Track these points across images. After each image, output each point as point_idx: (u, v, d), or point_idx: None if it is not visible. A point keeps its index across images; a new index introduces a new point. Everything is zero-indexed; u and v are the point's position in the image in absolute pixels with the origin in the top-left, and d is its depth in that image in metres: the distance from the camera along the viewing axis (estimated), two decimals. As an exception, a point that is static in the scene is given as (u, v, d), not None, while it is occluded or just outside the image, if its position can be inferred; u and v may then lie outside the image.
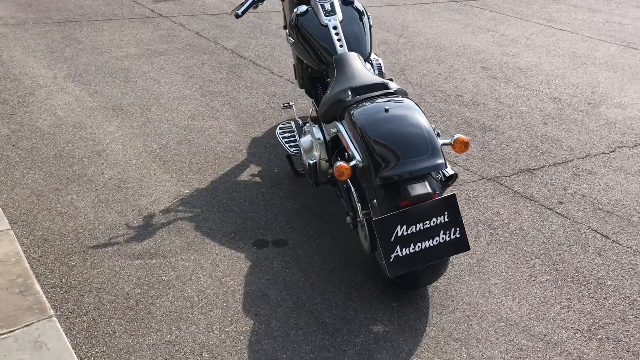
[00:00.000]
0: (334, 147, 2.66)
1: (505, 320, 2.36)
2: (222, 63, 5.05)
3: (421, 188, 2.04)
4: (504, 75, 5.22)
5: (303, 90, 3.95)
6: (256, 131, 3.85)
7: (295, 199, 3.12)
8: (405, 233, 2.05)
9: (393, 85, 2.50)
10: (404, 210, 2.06)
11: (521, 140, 3.96)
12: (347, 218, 2.47)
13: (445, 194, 2.14)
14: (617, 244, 2.89)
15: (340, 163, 2.15)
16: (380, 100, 2.36)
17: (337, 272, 2.58)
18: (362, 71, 2.71)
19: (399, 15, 7.06)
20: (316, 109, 3.87)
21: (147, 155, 3.46)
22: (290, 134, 3.33)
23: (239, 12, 2.93)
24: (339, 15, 2.97)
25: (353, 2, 3.07)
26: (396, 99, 2.34)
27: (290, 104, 3.50)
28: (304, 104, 4.28)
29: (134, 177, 3.22)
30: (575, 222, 3.06)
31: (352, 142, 2.27)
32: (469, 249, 2.14)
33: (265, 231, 2.84)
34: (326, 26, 2.94)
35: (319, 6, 3.00)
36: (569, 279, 2.63)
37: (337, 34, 2.91)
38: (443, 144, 2.20)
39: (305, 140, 2.89)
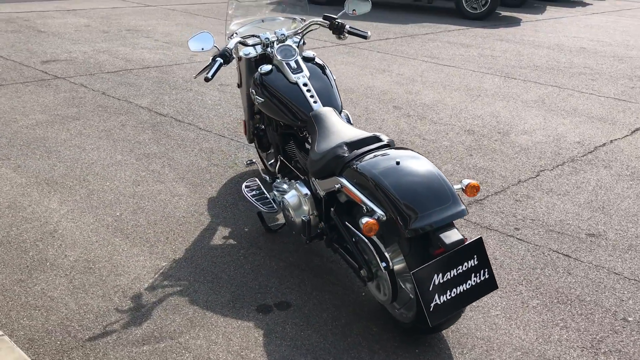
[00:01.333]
0: (330, 202, 2.68)
1: (520, 349, 2.49)
2: (143, 123, 4.86)
3: (454, 235, 2.13)
4: (415, 112, 5.54)
5: (252, 144, 3.94)
6: (209, 191, 3.75)
7: (279, 256, 3.08)
8: (441, 281, 2.12)
9: (384, 137, 2.58)
10: (439, 258, 2.13)
11: (457, 173, 4.22)
12: (362, 272, 2.49)
13: (472, 239, 2.25)
14: (579, 261, 3.17)
15: (367, 219, 2.18)
16: (381, 152, 2.43)
17: (351, 326, 2.58)
18: (344, 125, 2.77)
19: (298, 61, 7.25)
20: (264, 164, 3.87)
21: (105, 230, 3.24)
22: (258, 191, 3.30)
23: (209, 75, 2.88)
24: (306, 71, 3.02)
25: (314, 58, 3.14)
26: (399, 151, 2.43)
27: (253, 160, 3.47)
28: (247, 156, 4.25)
29: (102, 256, 3.00)
30: (537, 245, 3.31)
31: (366, 197, 2.31)
32: (497, 287, 2.26)
33: (263, 295, 2.77)
34: (296, 83, 2.97)
35: (284, 64, 3.03)
36: (555, 300, 2.83)
37: (308, 90, 2.95)
38: (456, 189, 2.31)
39: (291, 196, 2.88)
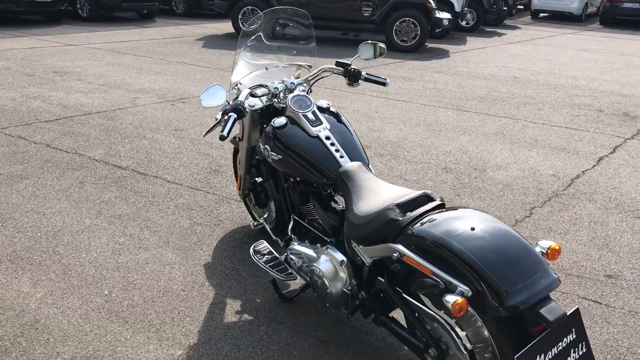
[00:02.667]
0: (377, 271, 2.39)
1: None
2: (103, 178, 4.37)
3: (557, 309, 1.91)
4: (386, 151, 5.37)
5: (242, 200, 3.60)
6: (202, 256, 3.35)
7: (305, 332, 2.75)
8: (543, 361, 1.89)
9: (435, 195, 2.35)
10: (542, 337, 1.90)
11: (454, 217, 4.05)
12: (431, 351, 2.21)
13: (569, 310, 2.04)
14: (611, 307, 3.05)
15: (456, 298, 1.91)
16: (440, 214, 2.19)
17: (415, 411, 2.29)
18: (381, 182, 2.52)
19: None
20: (268, 227, 3.56)
21: (97, 315, 2.77)
22: (270, 256, 2.96)
23: (224, 132, 2.54)
24: (326, 123, 2.75)
25: (329, 108, 2.87)
26: (459, 211, 2.20)
27: (261, 221, 3.13)
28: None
29: (103, 349, 2.54)
30: (564, 292, 3.17)
31: (439, 268, 2.06)
32: (593, 360, 2.06)
33: (304, 381, 2.43)
34: (317, 137, 2.69)
35: (301, 116, 2.74)
36: (609, 356, 2.68)
37: (332, 144, 2.68)
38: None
39: (324, 264, 2.57)
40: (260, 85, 2.91)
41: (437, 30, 12.00)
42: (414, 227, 2.19)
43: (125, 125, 5.73)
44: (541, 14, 22.77)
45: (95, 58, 9.16)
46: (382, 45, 3.03)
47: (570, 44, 14.58)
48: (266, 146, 2.79)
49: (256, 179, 3.33)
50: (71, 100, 6.57)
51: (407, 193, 2.36)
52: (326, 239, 2.74)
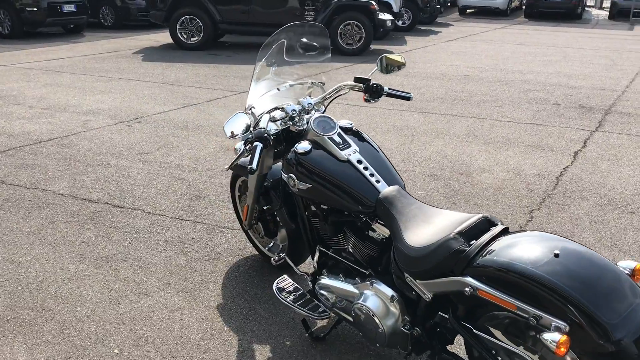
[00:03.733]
0: (436, 305, 2.20)
1: None
2: (75, 215, 3.97)
3: (663, 339, 1.77)
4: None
5: (243, 232, 3.33)
6: (211, 297, 3.06)
7: (349, 373, 2.52)
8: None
9: (494, 218, 2.18)
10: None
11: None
12: None
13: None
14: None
15: (559, 336, 1.74)
16: (514, 240, 2.02)
17: None
18: (428, 208, 2.33)
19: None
20: (260, 251, 3.31)
21: (112, 380, 2.44)
22: (296, 293, 2.72)
23: (254, 165, 2.28)
24: (354, 146, 2.53)
25: (352, 127, 2.65)
26: (539, 235, 2.03)
27: (282, 255, 2.87)
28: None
29: (131, 422, 2.22)
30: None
31: (525, 303, 1.88)
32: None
33: None
34: (348, 161, 2.47)
35: (327, 140, 2.51)
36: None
37: (365, 168, 2.46)
38: (625, 276, 1.97)
39: (372, 301, 2.35)
40: (276, 108, 2.66)
41: (380, 31, 11.98)
42: (484, 257, 2.01)
43: (83, 152, 5.29)
44: (468, 10, 23.34)
45: (29, 79, 8.52)
46: (402, 59, 2.84)
47: (504, 39, 14.94)
48: (291, 175, 2.54)
49: (265, 207, 3.07)
50: (15, 127, 6.03)
51: (464, 218, 2.18)
52: (363, 271, 2.52)
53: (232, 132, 2.47)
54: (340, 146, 2.50)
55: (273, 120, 2.59)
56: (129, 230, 3.78)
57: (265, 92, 2.83)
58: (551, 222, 4.01)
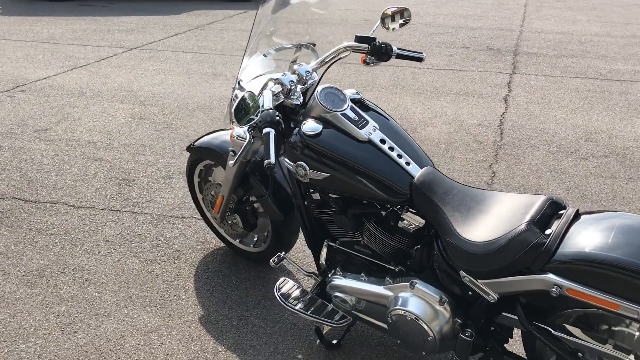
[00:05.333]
0: (500, 305, 1.89)
1: None
2: (-22, 218, 3.21)
3: None
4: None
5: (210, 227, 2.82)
6: (186, 308, 2.56)
7: (382, 384, 2.18)
8: None
9: (558, 199, 1.90)
10: None
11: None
12: None
13: None
14: None
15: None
16: (596, 225, 1.75)
17: None
18: (477, 191, 2.00)
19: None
20: (234, 247, 2.86)
21: None
22: (304, 298, 2.31)
23: (272, 159, 1.80)
24: (372, 122, 2.11)
25: (361, 99, 2.22)
26: (621, 215, 1.77)
27: (281, 255, 2.41)
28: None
29: None
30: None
31: (630, 300, 1.62)
32: None
33: None
34: (369, 142, 2.05)
35: (340, 117, 2.06)
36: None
37: (391, 148, 2.06)
38: None
39: (417, 306, 2.00)
40: (270, 80, 2.15)
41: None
42: (565, 249, 1.72)
43: (-38, 134, 4.36)
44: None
45: None
46: (408, 9, 2.42)
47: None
48: (300, 163, 2.08)
49: (244, 196, 2.59)
50: None
51: (527, 202, 1.87)
52: (391, 267, 2.16)
53: (235, 119, 1.94)
54: (357, 123, 2.08)
55: (275, 96, 2.09)
56: (56, 231, 3.11)
57: (252, 61, 2.31)
58: (515, 177, 3.87)
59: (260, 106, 1.95)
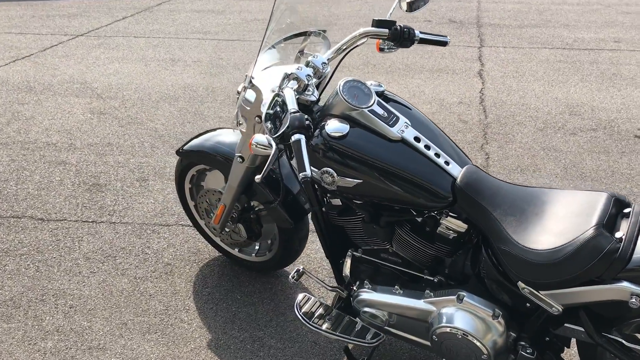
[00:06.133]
0: (563, 317, 1.72)
1: None
2: None
3: None
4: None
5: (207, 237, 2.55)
6: (191, 333, 2.29)
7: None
8: None
9: (620, 195, 1.72)
10: None
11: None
12: None
13: None
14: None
15: None
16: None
17: None
18: (522, 189, 1.81)
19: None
20: (234, 258, 2.60)
21: None
22: (330, 315, 2.09)
23: (308, 172, 1.55)
24: (403, 117, 1.87)
25: (384, 91, 1.98)
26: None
27: (301, 269, 2.16)
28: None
29: None
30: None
31: None
32: None
33: None
34: (402, 140, 1.82)
35: (368, 114, 1.82)
36: None
37: (427, 147, 1.83)
38: None
39: (468, 322, 1.80)
40: (286, 76, 1.88)
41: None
42: (638, 254, 1.56)
43: None
44: None
45: None
46: None
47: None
48: (327, 169, 1.83)
49: (247, 203, 2.33)
50: None
51: (590, 201, 1.69)
52: (429, 278, 1.95)
53: (271, 129, 1.67)
54: (387, 120, 1.84)
55: (298, 94, 1.82)
56: (26, 250, 2.77)
57: (262, 55, 2.02)
58: (509, 158, 3.73)
59: (288, 110, 1.68)
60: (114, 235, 2.89)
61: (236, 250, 2.61)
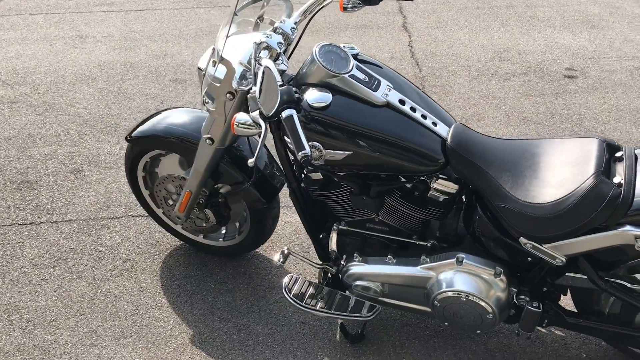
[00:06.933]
0: (560, 269, 1.71)
1: None
2: None
3: None
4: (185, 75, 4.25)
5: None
6: (174, 345, 2.13)
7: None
8: None
9: (610, 140, 1.73)
10: None
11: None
12: None
13: None
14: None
15: None
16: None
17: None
18: (512, 142, 1.79)
19: None
20: (194, 242, 2.45)
21: None
22: (320, 293, 2.00)
23: (307, 149, 1.42)
24: (384, 80, 1.77)
25: (359, 54, 1.85)
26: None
27: (286, 250, 2.04)
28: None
29: None
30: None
31: None
32: None
33: None
34: (387, 105, 1.72)
35: (349, 80, 1.70)
36: None
37: (412, 109, 1.75)
38: None
39: (469, 284, 1.77)
40: (255, 45, 1.71)
41: None
42: (638, 197, 1.57)
43: None
44: None
45: None
46: None
47: None
48: (313, 143, 1.70)
49: (216, 185, 2.17)
50: None
51: (583, 148, 1.68)
52: (422, 243, 1.90)
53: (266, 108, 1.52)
54: (369, 85, 1.74)
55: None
56: (-38, 265, 2.47)
57: (226, 24, 1.83)
58: (452, 109, 3.73)
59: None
60: (59, 235, 2.64)
61: (201, 236, 2.45)
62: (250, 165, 1.49)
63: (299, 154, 1.43)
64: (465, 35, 4.95)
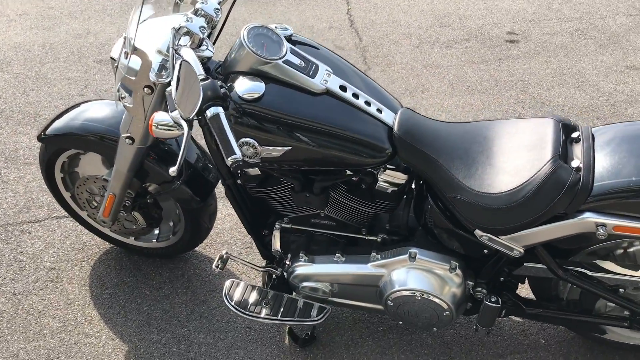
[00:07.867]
0: (518, 261, 1.60)
1: None
2: None
3: None
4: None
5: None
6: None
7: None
8: None
9: (566, 119, 1.62)
10: None
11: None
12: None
13: None
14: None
15: None
16: (606, 146, 1.50)
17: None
18: (462, 126, 1.65)
19: None
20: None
21: None
22: (266, 299, 1.84)
23: (238, 155, 1.24)
24: (322, 65, 1.59)
25: (292, 35, 1.66)
26: (633, 125, 1.54)
27: (224, 253, 1.86)
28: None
29: None
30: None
31: None
32: None
33: None
34: (327, 92, 1.55)
35: (283, 66, 1.52)
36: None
37: (355, 95, 1.58)
38: None
39: (422, 281, 1.65)
40: (174, 31, 1.49)
41: None
42: (603, 181, 1.46)
43: None
44: None
45: None
46: None
47: None
48: (245, 140, 1.52)
49: (143, 185, 1.96)
50: None
51: (537, 130, 1.56)
52: (372, 238, 1.76)
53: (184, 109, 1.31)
54: (306, 70, 1.56)
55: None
56: None
57: (138, 9, 1.60)
58: (395, 81, 3.59)
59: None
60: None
61: (132, 238, 2.24)
62: (172, 174, 1.30)
63: (229, 159, 1.25)
64: (404, 0, 4.80)
